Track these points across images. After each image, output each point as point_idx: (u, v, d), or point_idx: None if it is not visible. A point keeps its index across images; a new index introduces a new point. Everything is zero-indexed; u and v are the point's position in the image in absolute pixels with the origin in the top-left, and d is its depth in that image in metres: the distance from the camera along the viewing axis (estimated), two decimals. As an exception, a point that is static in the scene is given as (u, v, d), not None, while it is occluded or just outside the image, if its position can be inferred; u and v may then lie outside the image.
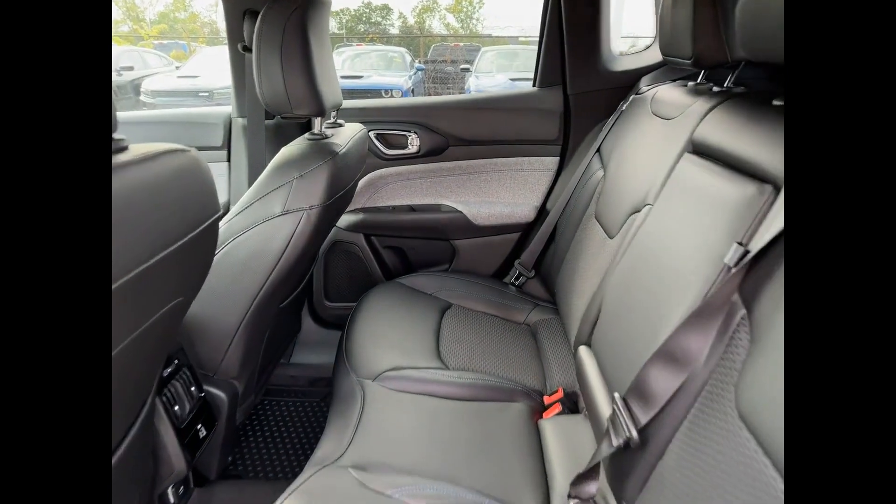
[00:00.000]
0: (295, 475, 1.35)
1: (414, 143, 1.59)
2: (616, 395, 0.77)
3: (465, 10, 17.78)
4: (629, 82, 1.46)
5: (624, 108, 1.38)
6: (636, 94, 1.37)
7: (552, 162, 1.58)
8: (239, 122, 1.53)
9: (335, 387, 1.14)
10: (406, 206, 1.64)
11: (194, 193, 0.59)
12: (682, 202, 0.86)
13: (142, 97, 7.68)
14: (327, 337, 1.70)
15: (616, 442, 0.73)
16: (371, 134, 1.59)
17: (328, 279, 1.70)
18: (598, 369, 0.97)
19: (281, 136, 1.52)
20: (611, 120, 1.41)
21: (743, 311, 0.61)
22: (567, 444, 0.99)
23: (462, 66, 9.99)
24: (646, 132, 1.16)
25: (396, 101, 1.64)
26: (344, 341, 1.23)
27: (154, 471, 0.94)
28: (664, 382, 0.70)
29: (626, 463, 0.74)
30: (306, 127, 1.58)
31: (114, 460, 0.66)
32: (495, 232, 1.63)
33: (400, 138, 1.59)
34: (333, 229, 1.64)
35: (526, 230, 1.63)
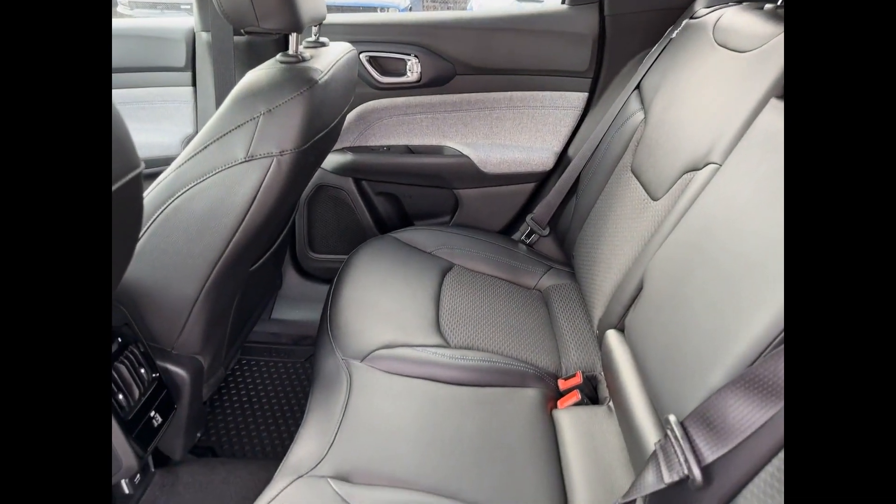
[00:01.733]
0: (275, 453, 1.23)
1: (414, 70, 1.33)
2: (672, 417, 0.60)
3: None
4: (681, 3, 1.19)
5: (674, 35, 1.13)
6: (691, 17, 1.12)
7: (579, 99, 1.34)
8: (203, 38, 1.27)
9: (317, 364, 0.97)
10: (403, 146, 1.41)
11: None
12: (767, 163, 0.66)
13: (118, 7, 7.08)
14: (312, 291, 1.53)
15: (669, 478, 0.57)
16: (362, 57, 1.32)
17: (313, 228, 1.49)
18: (634, 364, 0.80)
19: (254, 57, 1.26)
20: (656, 50, 1.16)
21: None
22: (588, 445, 0.84)
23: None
24: (708, 68, 0.93)
25: (394, 16, 1.36)
26: (328, 311, 1.05)
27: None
28: (746, 414, 0.53)
29: (677, 502, 0.59)
30: (284, 46, 1.31)
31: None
32: (506, 181, 1.41)
33: (397, 63, 1.33)
34: (319, 172, 1.42)
35: (542, 180, 1.41)
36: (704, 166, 0.80)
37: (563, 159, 1.37)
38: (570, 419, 0.89)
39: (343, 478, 0.72)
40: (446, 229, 1.34)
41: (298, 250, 1.51)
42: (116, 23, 1.52)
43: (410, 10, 7.84)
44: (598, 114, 1.30)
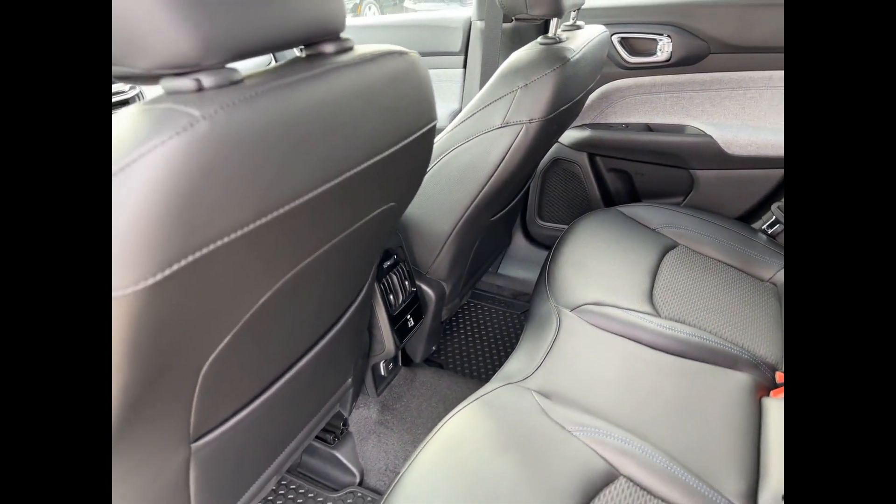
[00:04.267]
0: (485, 377, 1.45)
1: (665, 50, 1.34)
2: None
3: None
4: None
5: None
6: None
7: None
8: (478, 26, 1.50)
9: (532, 309, 1.12)
10: (642, 124, 1.44)
11: (409, 99, 0.58)
12: None
13: (405, 2, 8.30)
14: (535, 255, 1.69)
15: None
16: (614, 38, 1.39)
17: (543, 197, 1.64)
18: None
19: (517, 40, 1.44)
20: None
21: None
22: (797, 437, 0.81)
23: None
24: None
25: (650, -3, 1.39)
26: (548, 263, 1.19)
27: (369, 346, 1.08)
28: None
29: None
30: (544, 29, 1.46)
31: (332, 333, 0.77)
32: (752, 165, 1.32)
33: (648, 43, 1.37)
34: (556, 146, 1.55)
35: (797, 166, 1.28)
36: None
37: (828, 145, 1.22)
38: (781, 409, 0.86)
39: (545, 394, 0.86)
40: (676, 209, 1.34)
41: (528, 217, 1.68)
42: (405, 16, 1.88)
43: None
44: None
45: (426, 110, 0.62)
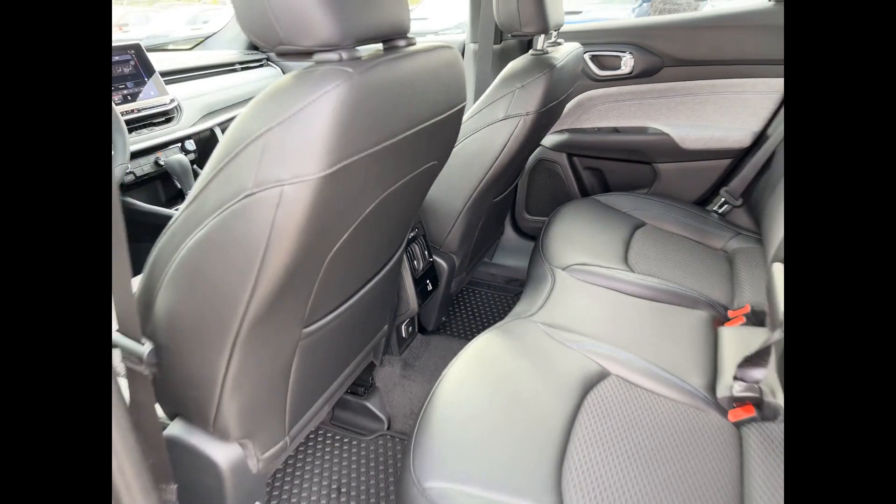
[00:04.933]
0: None
1: (627, 64, 1.63)
2: (776, 268, 0.81)
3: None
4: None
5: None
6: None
7: (778, 84, 1.47)
8: (471, 48, 1.77)
9: (530, 271, 1.35)
10: (611, 127, 1.72)
11: (452, 81, 0.81)
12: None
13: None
14: (524, 245, 1.93)
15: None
16: (586, 56, 1.67)
17: (530, 194, 1.89)
18: None
19: (504, 59, 1.70)
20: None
21: None
22: (744, 348, 1.04)
23: (697, -6, 8.82)
24: None
25: (614, 22, 1.68)
26: (541, 238, 1.42)
27: (396, 305, 1.28)
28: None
29: (793, 348, 0.79)
30: (526, 49, 1.73)
31: (381, 274, 0.97)
32: (703, 157, 1.60)
33: (613, 59, 1.65)
34: (539, 148, 1.81)
35: (739, 156, 1.57)
36: None
37: (761, 138, 1.51)
38: (732, 333, 1.09)
39: (548, 325, 1.07)
40: (643, 196, 1.60)
41: (517, 212, 1.93)
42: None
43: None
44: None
45: (462, 91, 0.85)
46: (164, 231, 0.66)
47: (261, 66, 2.02)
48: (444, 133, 0.84)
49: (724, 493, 0.72)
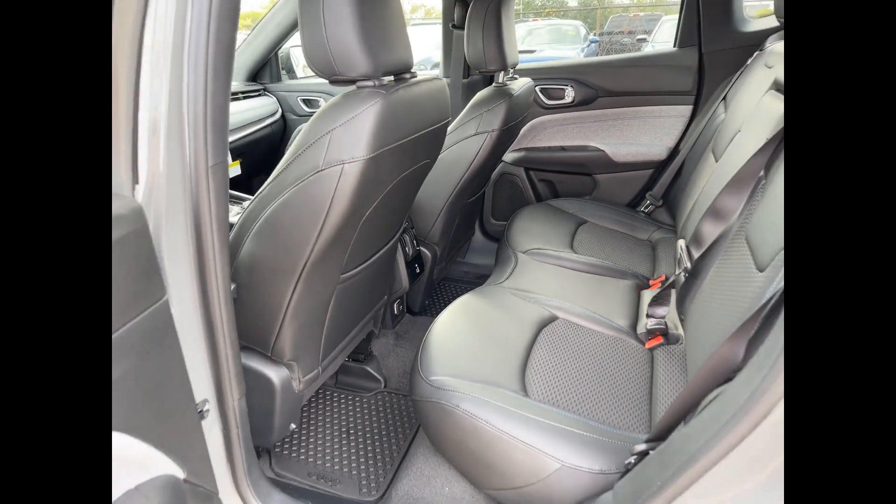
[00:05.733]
0: None
1: (569, 95, 2.03)
2: (681, 242, 1.16)
3: (649, -26, 16.69)
4: (757, 41, 1.70)
5: (749, 62, 1.65)
6: (760, 50, 1.63)
7: (686, 110, 1.89)
8: (444, 81, 2.13)
9: (498, 255, 1.68)
10: (559, 146, 2.10)
11: (442, 103, 1.14)
12: (759, 125, 1.20)
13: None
14: (490, 246, 2.26)
15: (679, 271, 1.14)
16: (537, 88, 2.06)
17: (495, 202, 2.24)
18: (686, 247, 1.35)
19: (470, 91, 2.07)
20: (738, 73, 1.68)
21: (762, 176, 0.98)
22: (657, 301, 1.39)
23: (639, 37, 9.71)
24: (754, 79, 1.45)
25: (558, 62, 2.09)
26: (506, 231, 1.76)
27: (391, 283, 1.58)
28: (712, 230, 1.09)
29: (684, 288, 1.15)
30: (488, 83, 2.11)
31: (386, 247, 1.28)
32: (631, 168, 2.00)
33: (558, 91, 2.05)
34: (501, 164, 2.17)
35: (659, 167, 1.97)
36: (736, 134, 1.33)
37: (674, 152, 1.92)
38: (650, 293, 1.45)
39: (514, 290, 1.40)
40: (585, 200, 1.98)
41: (485, 218, 2.27)
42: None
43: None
44: (700, 119, 1.84)
45: (447, 109, 1.19)
46: (251, 200, 0.95)
47: (259, 95, 2.33)
48: (436, 139, 1.17)
49: (639, 391, 1.05)
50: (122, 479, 0.56)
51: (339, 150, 0.86)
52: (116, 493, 0.54)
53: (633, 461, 0.79)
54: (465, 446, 0.92)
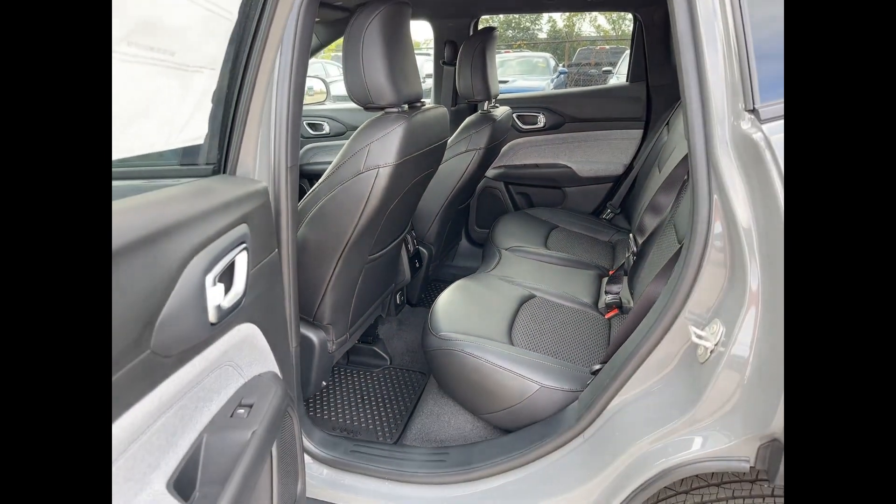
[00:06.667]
0: None
1: (542, 121, 2.39)
2: (631, 235, 1.50)
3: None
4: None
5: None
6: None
7: (637, 133, 2.27)
8: (444, 108, 2.47)
9: (485, 252, 2.00)
10: (533, 164, 2.45)
11: (444, 125, 1.47)
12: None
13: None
14: (475, 251, 2.58)
15: (628, 253, 1.48)
16: (514, 115, 2.42)
17: (479, 212, 2.57)
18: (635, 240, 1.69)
19: (459, 117, 2.42)
20: (677, 104, 2.07)
21: (686, 179, 1.33)
22: (612, 280, 1.73)
23: (604, 69, 10.38)
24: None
25: (531, 94, 2.46)
26: (490, 233, 2.09)
27: (397, 274, 1.88)
28: (651, 222, 1.43)
29: (633, 268, 1.48)
30: (473, 110, 2.47)
31: (392, 244, 1.58)
32: (594, 182, 2.37)
33: (532, 117, 2.41)
34: (484, 179, 2.51)
35: (617, 181, 2.34)
36: (674, 149, 1.69)
37: (629, 168, 2.29)
38: (608, 278, 1.78)
39: (500, 277, 1.71)
40: (556, 210, 2.32)
41: (470, 226, 2.60)
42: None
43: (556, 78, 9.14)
44: (649, 140, 2.22)
45: (447, 131, 1.52)
46: (306, 195, 1.25)
47: None
48: (438, 154, 1.50)
49: (599, 347, 1.36)
50: (255, 366, 0.84)
51: (375, 158, 1.17)
52: (251, 373, 0.82)
53: (591, 378, 1.11)
54: (468, 379, 1.22)
